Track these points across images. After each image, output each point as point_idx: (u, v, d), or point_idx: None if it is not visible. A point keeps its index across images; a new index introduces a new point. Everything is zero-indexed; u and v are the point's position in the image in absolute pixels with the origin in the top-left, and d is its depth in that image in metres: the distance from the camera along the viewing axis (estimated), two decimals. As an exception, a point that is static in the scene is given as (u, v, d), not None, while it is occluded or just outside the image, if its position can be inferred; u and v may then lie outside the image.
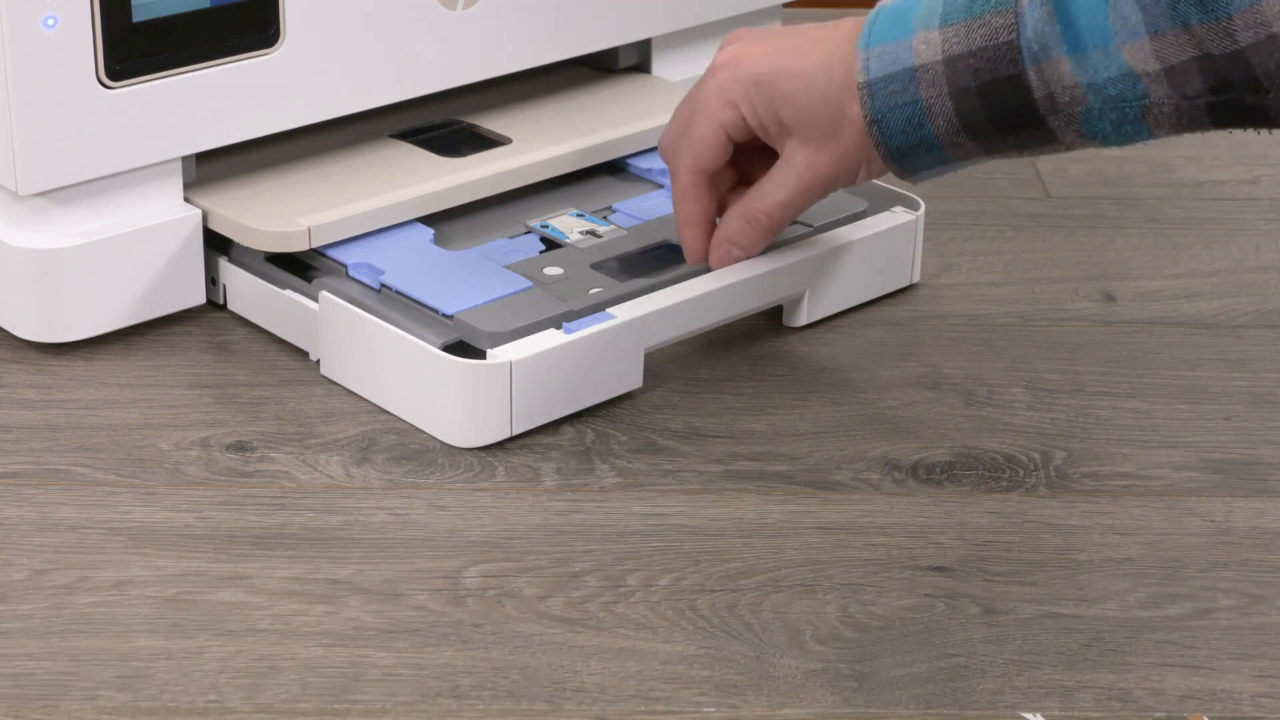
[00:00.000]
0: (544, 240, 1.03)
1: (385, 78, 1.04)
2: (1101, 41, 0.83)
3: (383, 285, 0.97)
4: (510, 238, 1.03)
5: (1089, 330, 1.04)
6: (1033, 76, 0.85)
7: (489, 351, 0.92)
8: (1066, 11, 0.83)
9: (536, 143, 1.07)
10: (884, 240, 1.05)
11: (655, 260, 1.01)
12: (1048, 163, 1.22)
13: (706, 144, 0.94)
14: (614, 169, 1.10)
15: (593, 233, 1.03)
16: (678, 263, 1.00)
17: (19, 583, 0.83)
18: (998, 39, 0.85)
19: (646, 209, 1.06)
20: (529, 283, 0.98)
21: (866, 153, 0.91)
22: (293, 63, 1.00)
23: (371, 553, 0.86)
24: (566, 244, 1.02)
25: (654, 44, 1.17)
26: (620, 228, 1.04)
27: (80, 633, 0.80)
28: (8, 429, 0.94)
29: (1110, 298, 1.07)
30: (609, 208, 1.06)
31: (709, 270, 0.98)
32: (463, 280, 0.98)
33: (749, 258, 0.98)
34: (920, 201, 1.07)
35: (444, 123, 1.10)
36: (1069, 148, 0.87)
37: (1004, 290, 1.08)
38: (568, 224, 1.05)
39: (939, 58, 0.86)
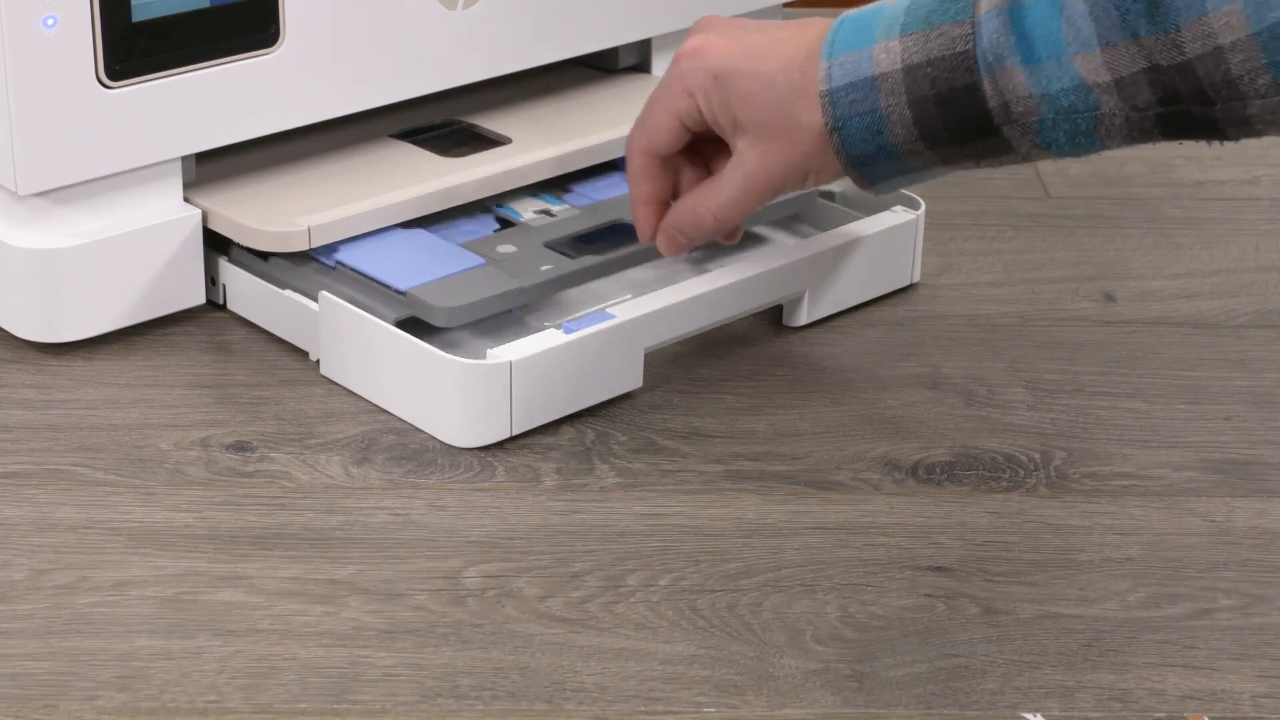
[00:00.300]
0: (499, 219, 1.04)
1: (385, 78, 1.04)
2: (1055, 53, 0.83)
3: (338, 263, 0.98)
4: (467, 216, 1.04)
5: (1089, 330, 1.04)
6: (988, 86, 0.85)
7: (489, 351, 0.92)
8: (1021, 23, 0.84)
9: (536, 143, 1.07)
10: (884, 240, 1.05)
11: (608, 239, 1.02)
12: (1047, 163, 1.22)
13: (661, 128, 0.94)
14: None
15: (547, 211, 1.04)
16: (630, 242, 1.00)
17: (19, 583, 0.83)
18: (954, 49, 0.85)
19: (602, 189, 1.07)
20: (482, 260, 0.99)
21: (817, 160, 0.91)
22: (293, 63, 1.00)
23: (371, 553, 0.86)
24: (520, 223, 1.03)
25: (654, 44, 1.17)
26: (574, 207, 1.05)
27: (80, 633, 0.80)
28: (8, 429, 0.94)
29: (1110, 298, 1.07)
30: (566, 188, 1.07)
31: (659, 253, 0.98)
32: (416, 257, 0.99)
33: (695, 249, 0.99)
34: (920, 201, 1.07)
35: (444, 123, 1.10)
36: (1025, 158, 0.87)
37: (1004, 290, 1.08)
38: (523, 203, 1.05)
39: (898, 67, 0.86)
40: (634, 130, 0.95)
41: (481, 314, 0.96)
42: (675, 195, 0.96)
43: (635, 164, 0.96)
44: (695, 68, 0.92)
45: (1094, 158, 1.22)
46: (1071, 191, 1.19)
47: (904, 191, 1.08)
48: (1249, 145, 1.24)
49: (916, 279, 1.08)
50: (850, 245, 1.03)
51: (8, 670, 0.78)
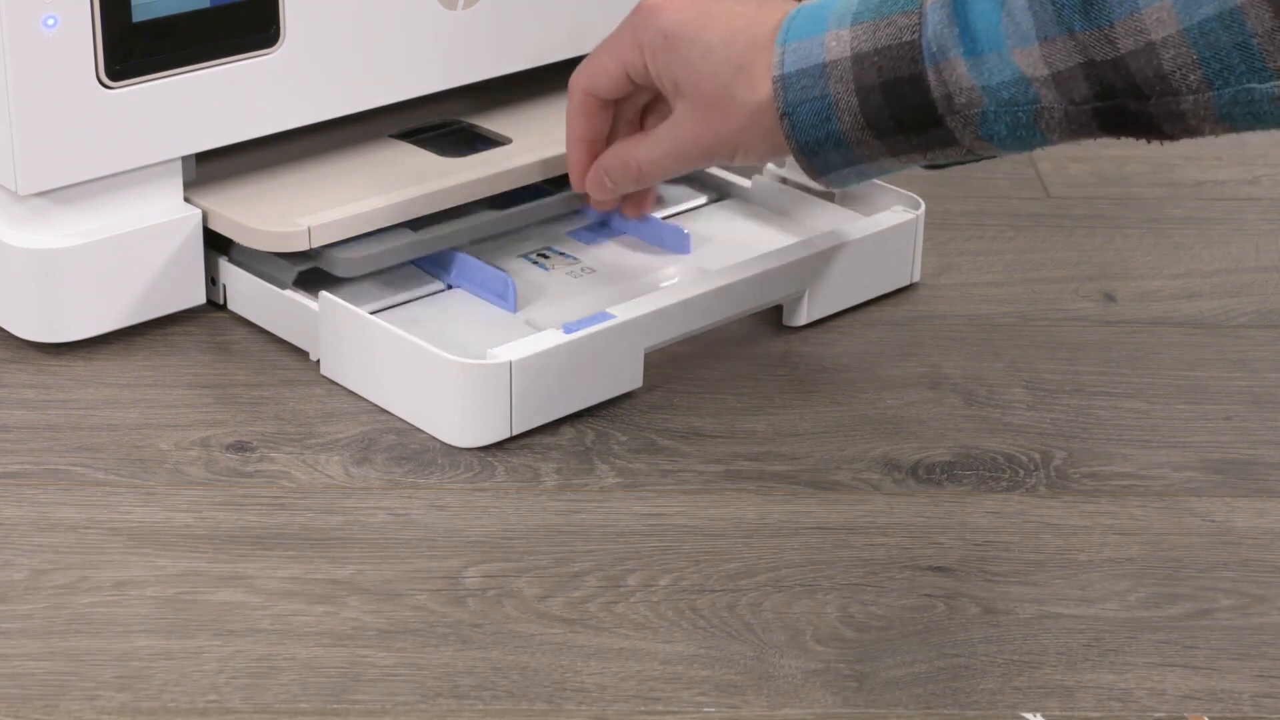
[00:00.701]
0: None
1: (385, 78, 1.04)
2: (995, 45, 0.84)
3: None
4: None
5: (1089, 330, 1.04)
6: (932, 77, 0.86)
7: (489, 351, 0.92)
8: (964, 15, 0.85)
9: (536, 143, 1.07)
10: (884, 240, 1.05)
11: (521, 200, 1.05)
12: (1048, 163, 1.22)
13: (605, 73, 0.96)
14: None
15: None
16: (543, 196, 1.04)
17: (19, 583, 0.83)
18: (901, 38, 0.86)
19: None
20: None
21: (749, 138, 0.92)
22: (293, 63, 1.00)
23: (371, 553, 0.86)
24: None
25: (654, 44, 1.17)
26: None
27: (80, 633, 0.80)
28: (8, 429, 0.94)
29: (1110, 298, 1.07)
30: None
31: (583, 196, 1.01)
32: None
33: (617, 196, 1.00)
34: (920, 201, 1.07)
35: (444, 123, 1.10)
36: (969, 150, 0.88)
37: (1004, 290, 1.08)
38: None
39: (847, 54, 0.87)
40: (580, 68, 0.97)
41: (381, 265, 1.00)
42: (608, 142, 0.99)
43: (575, 100, 0.97)
44: (648, 24, 0.93)
45: (1094, 158, 1.22)
46: (1071, 191, 1.19)
47: (904, 191, 1.08)
48: (1249, 145, 1.24)
49: (916, 279, 1.08)
50: (850, 245, 1.03)
51: (8, 670, 0.78)
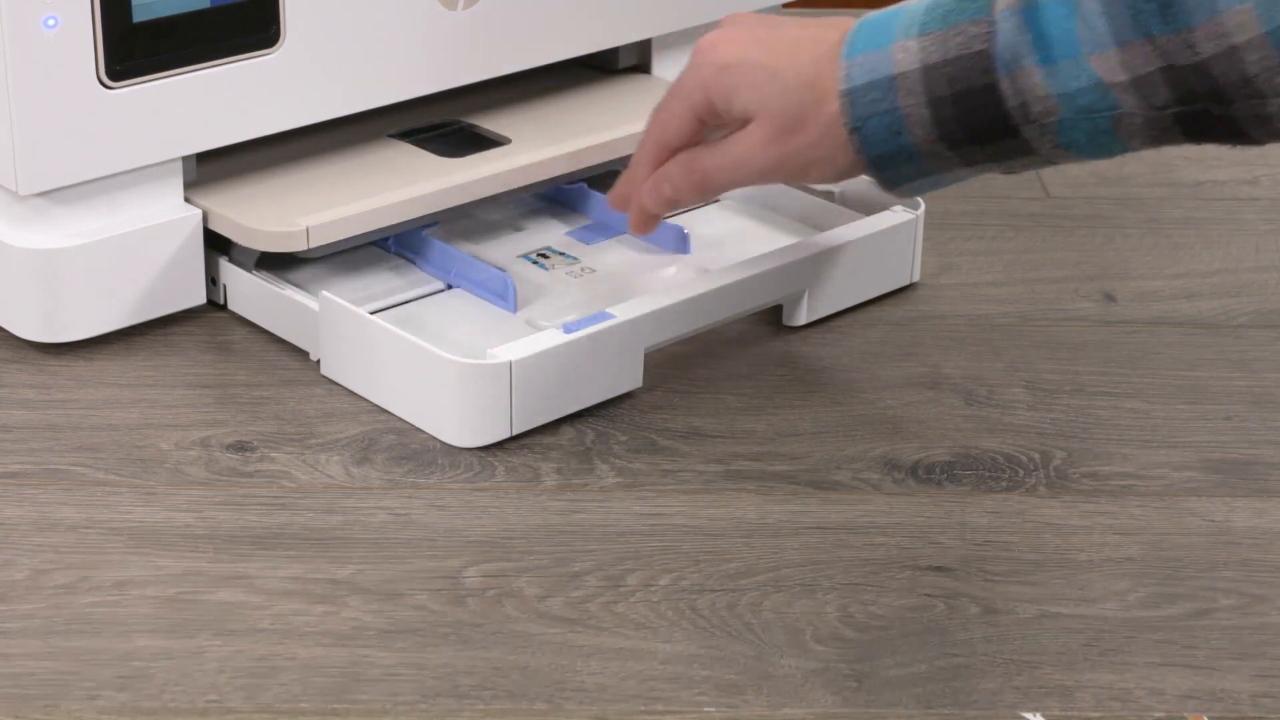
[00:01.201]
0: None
1: (385, 78, 1.04)
2: (1071, 52, 0.83)
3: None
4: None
5: (1089, 330, 1.04)
6: (1006, 86, 0.85)
7: (489, 351, 0.92)
8: (1037, 22, 0.83)
9: (536, 143, 1.07)
10: (884, 240, 1.05)
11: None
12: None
13: (675, 119, 0.94)
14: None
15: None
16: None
17: (19, 583, 0.83)
18: (972, 48, 0.85)
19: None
20: None
21: (817, 155, 0.90)
22: (293, 63, 1.00)
23: (371, 553, 0.86)
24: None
25: (654, 44, 1.17)
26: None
27: (81, 633, 0.80)
28: (8, 429, 0.94)
29: (1110, 298, 1.07)
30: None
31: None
32: None
33: (670, 207, 0.96)
34: (920, 201, 1.07)
35: (444, 123, 1.10)
36: (1047, 160, 0.87)
37: (1004, 290, 1.08)
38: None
39: (916, 66, 0.86)
40: (651, 119, 0.96)
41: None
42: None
43: (645, 148, 0.96)
44: (707, 61, 0.92)
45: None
46: (1071, 191, 1.19)
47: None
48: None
49: (916, 279, 1.08)
50: (850, 245, 1.03)
51: (9, 670, 0.78)
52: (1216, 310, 1.06)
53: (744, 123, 0.92)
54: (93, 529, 0.87)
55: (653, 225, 0.98)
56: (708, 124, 0.94)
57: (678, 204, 0.96)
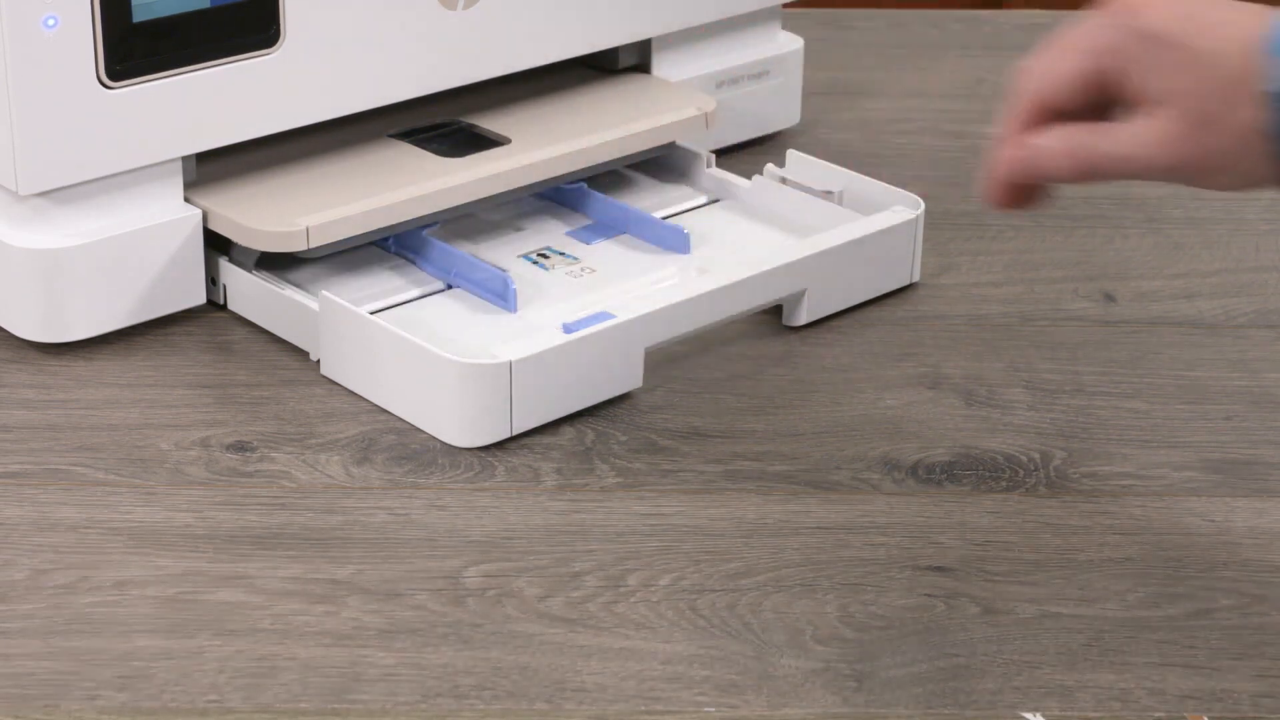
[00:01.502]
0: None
1: (385, 78, 1.04)
2: None
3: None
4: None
5: (1089, 330, 1.04)
6: None
7: (489, 351, 0.92)
8: None
9: (536, 143, 1.07)
10: (884, 239, 1.05)
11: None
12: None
13: (1068, 81, 0.81)
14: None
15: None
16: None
17: (19, 583, 0.83)
18: None
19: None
20: None
21: (1231, 159, 0.79)
22: (293, 63, 1.00)
23: (371, 553, 0.86)
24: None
25: (654, 44, 1.17)
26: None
27: (81, 633, 0.80)
28: (8, 429, 0.94)
29: (1110, 298, 1.07)
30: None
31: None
32: None
33: (1039, 178, 0.84)
34: (920, 200, 1.07)
35: (444, 123, 1.10)
36: None
37: (1004, 290, 1.08)
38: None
39: None
40: (1032, 70, 0.83)
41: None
42: None
43: (1021, 107, 0.83)
44: (1128, 24, 0.80)
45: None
46: (1071, 191, 1.19)
47: (904, 191, 1.07)
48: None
49: (916, 279, 1.08)
50: (850, 245, 1.03)
51: (9, 670, 0.78)
52: (1216, 310, 1.06)
53: (1150, 102, 0.80)
54: (93, 529, 0.87)
55: (1014, 199, 0.86)
56: (1096, 89, 0.81)
57: (1051, 183, 0.84)
